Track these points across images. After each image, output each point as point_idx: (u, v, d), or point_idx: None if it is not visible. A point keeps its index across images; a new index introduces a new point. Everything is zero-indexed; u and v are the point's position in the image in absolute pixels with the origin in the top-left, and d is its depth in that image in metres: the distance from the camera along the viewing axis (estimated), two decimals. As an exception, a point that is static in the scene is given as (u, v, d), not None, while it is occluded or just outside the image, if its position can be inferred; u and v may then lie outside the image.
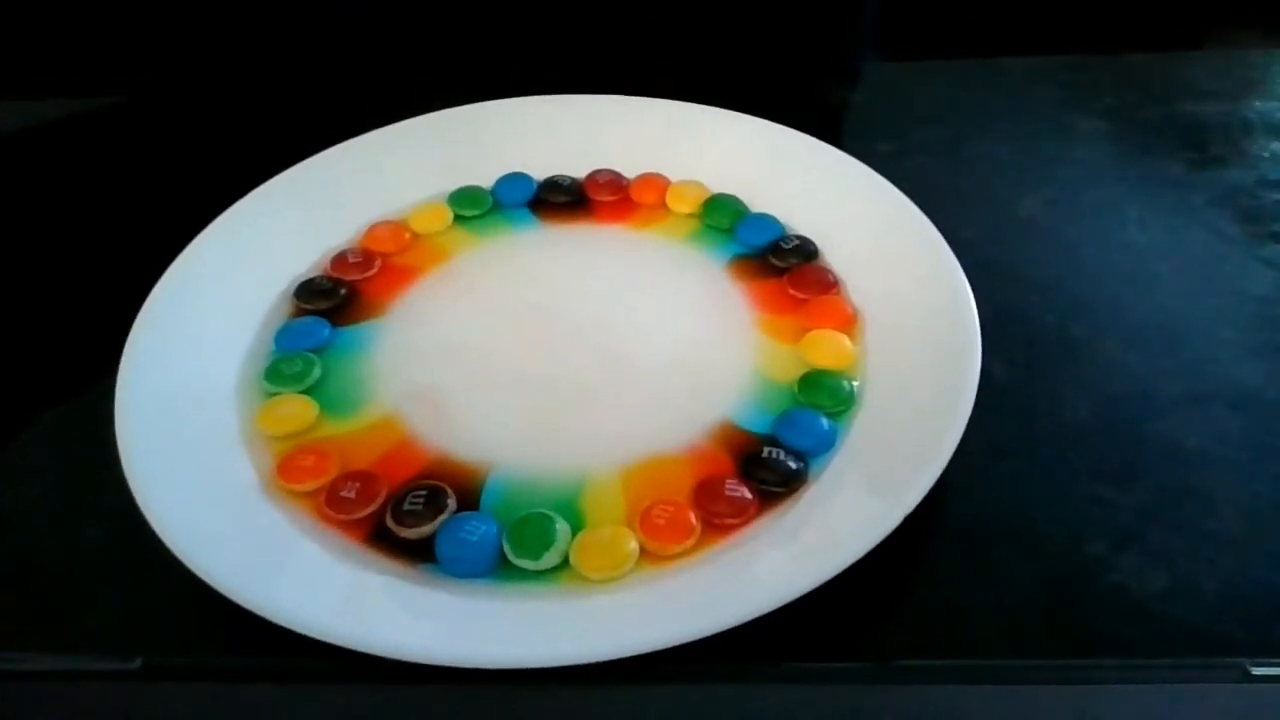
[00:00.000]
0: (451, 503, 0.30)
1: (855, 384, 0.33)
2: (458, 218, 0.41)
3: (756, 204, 0.41)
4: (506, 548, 0.28)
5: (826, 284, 0.37)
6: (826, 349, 0.34)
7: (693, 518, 0.29)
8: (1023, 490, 0.31)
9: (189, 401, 0.32)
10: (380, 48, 0.56)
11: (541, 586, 0.28)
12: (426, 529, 0.29)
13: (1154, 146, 0.46)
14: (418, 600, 0.27)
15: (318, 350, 0.35)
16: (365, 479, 0.30)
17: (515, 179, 0.42)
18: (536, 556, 0.28)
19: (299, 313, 0.37)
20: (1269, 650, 0.26)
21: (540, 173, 0.43)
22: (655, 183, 0.42)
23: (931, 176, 0.41)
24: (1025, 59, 0.52)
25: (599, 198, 0.42)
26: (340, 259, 0.39)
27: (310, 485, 0.30)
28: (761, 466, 0.30)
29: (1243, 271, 0.39)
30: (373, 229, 0.40)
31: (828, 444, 0.31)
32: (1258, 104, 0.48)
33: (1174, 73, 0.51)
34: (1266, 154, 0.45)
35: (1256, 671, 0.25)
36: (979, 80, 0.51)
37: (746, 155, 0.42)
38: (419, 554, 0.29)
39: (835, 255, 0.38)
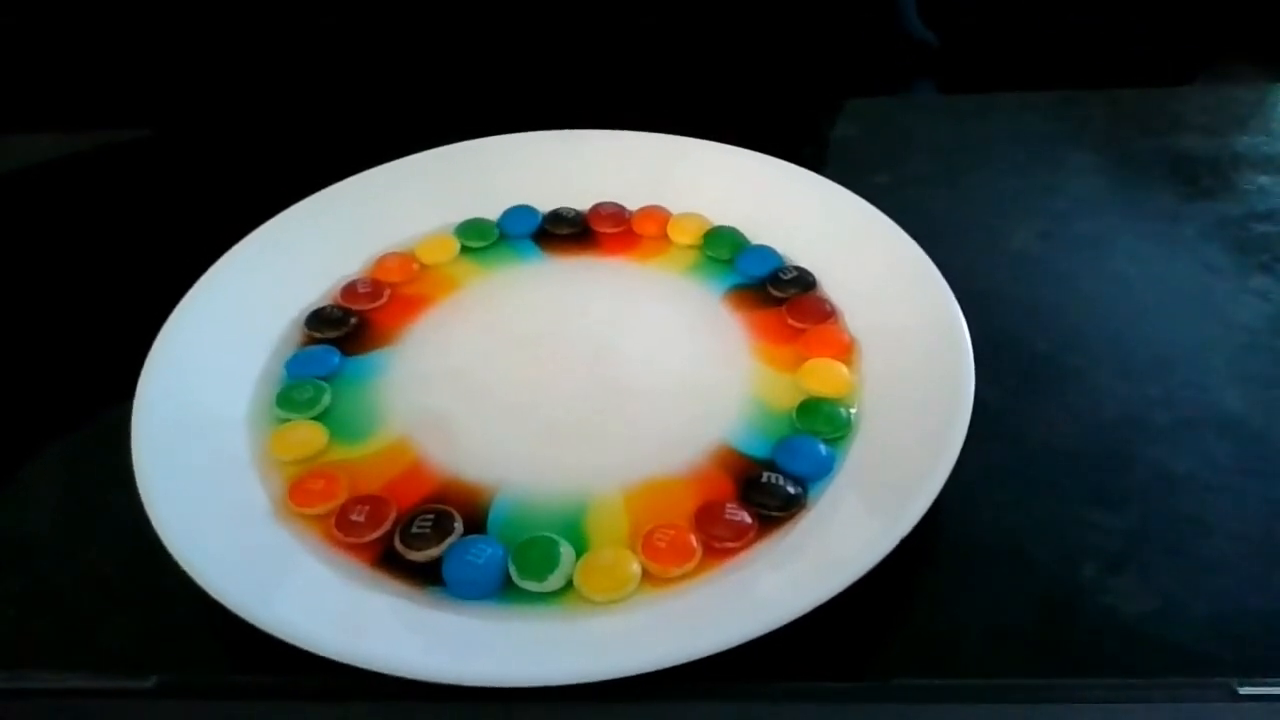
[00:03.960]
0: (458, 526, 0.30)
1: (852, 411, 0.34)
2: (464, 249, 0.42)
3: (756, 236, 0.42)
4: (512, 570, 0.29)
5: (824, 313, 0.38)
6: (824, 377, 0.35)
7: (694, 541, 0.30)
8: (1016, 514, 0.32)
9: (203, 427, 0.33)
10: (390, 84, 0.57)
11: (546, 608, 0.29)
12: (434, 552, 0.30)
13: (1145, 179, 0.47)
14: (425, 621, 0.28)
15: (328, 378, 0.36)
16: (374, 503, 0.31)
17: (520, 211, 0.43)
18: (541, 579, 0.29)
19: (310, 341, 0.38)
20: (1257, 670, 0.27)
21: (545, 205, 0.44)
22: (657, 215, 0.43)
23: (927, 209, 0.41)
24: (1018, 94, 0.54)
25: (602, 229, 0.43)
26: (350, 289, 0.40)
27: (320, 509, 0.31)
28: (761, 491, 0.31)
29: (1232, 301, 0.40)
30: (382, 260, 0.41)
31: (826, 469, 0.32)
32: (1246, 138, 0.49)
33: (1164, 107, 0.52)
34: (1254, 187, 0.46)
35: (1244, 691, 0.26)
36: (973, 115, 0.52)
37: (746, 188, 0.43)
38: (427, 576, 0.29)
39: (833, 286, 0.39)
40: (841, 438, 0.33)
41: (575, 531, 0.30)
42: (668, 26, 0.59)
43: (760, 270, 0.40)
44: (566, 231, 0.43)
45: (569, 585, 0.29)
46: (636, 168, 0.44)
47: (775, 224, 0.41)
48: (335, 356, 0.37)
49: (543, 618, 0.28)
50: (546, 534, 0.30)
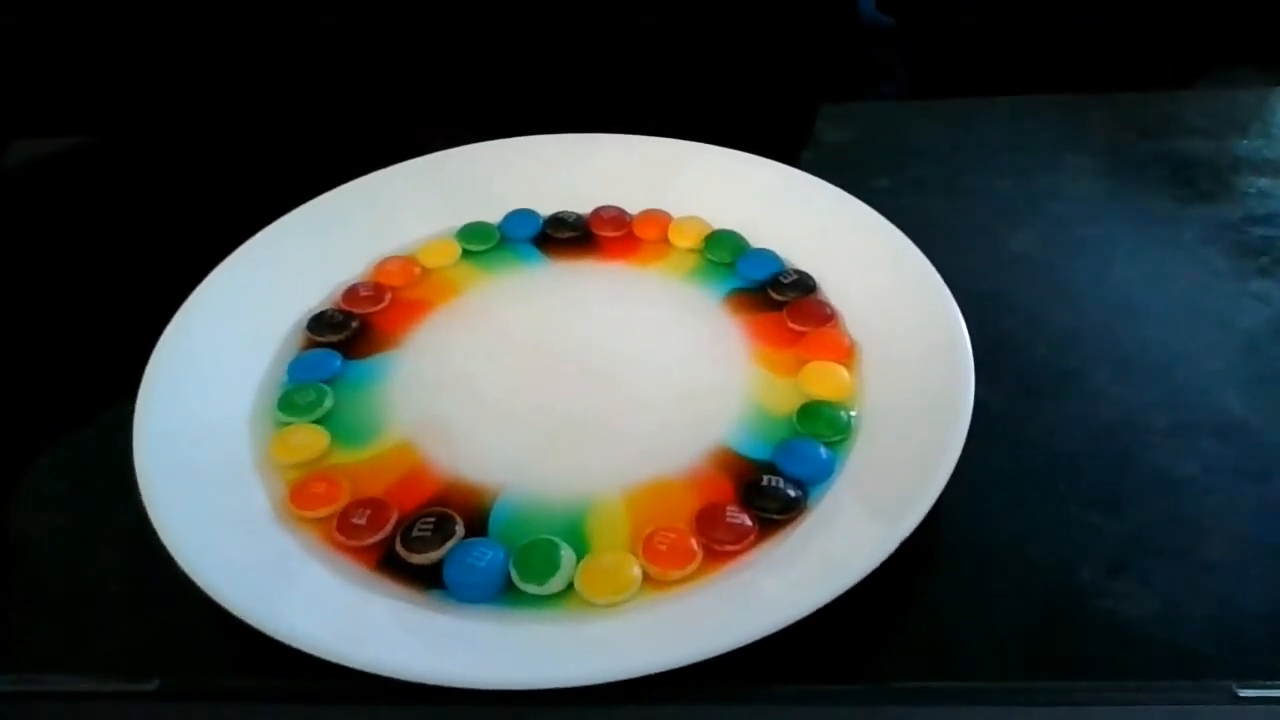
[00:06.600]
0: (459, 529, 0.30)
1: (853, 414, 0.34)
2: (466, 253, 0.42)
3: (756, 239, 0.42)
4: (513, 573, 0.29)
5: (824, 317, 0.38)
6: (825, 380, 0.35)
7: (694, 544, 0.30)
8: (1015, 517, 0.32)
9: (204, 431, 0.33)
10: (392, 88, 0.57)
11: (547, 611, 0.29)
12: (435, 555, 0.30)
13: (1144, 183, 0.47)
14: (426, 624, 0.28)
15: (329, 381, 0.36)
16: (375, 506, 0.31)
17: (522, 215, 0.44)
18: (542, 582, 0.29)
19: (311, 345, 0.38)
20: (1255, 673, 0.27)
21: (546, 209, 0.44)
22: (658, 219, 0.43)
23: (927, 212, 0.42)
24: (1019, 98, 0.54)
25: (603, 233, 0.43)
26: (352, 292, 0.40)
27: (322, 512, 0.31)
28: (762, 494, 0.31)
29: (1231, 305, 0.40)
30: (383, 263, 0.41)
31: (826, 472, 0.32)
32: (1245, 142, 0.49)
33: (1164, 111, 0.52)
34: (1254, 190, 0.46)
35: (1243, 693, 0.26)
36: (974, 119, 0.52)
37: (747, 192, 0.43)
38: (428, 579, 0.29)
39: (833, 289, 0.39)
40: (842, 441, 0.33)
41: (576, 534, 0.30)
42: (668, 30, 0.59)
43: (761, 274, 0.40)
44: (567, 235, 0.43)
45: (570, 588, 0.29)
46: (637, 172, 0.44)
47: (776, 228, 0.42)
48: (337, 360, 0.37)
49: (543, 620, 0.28)
50: (547, 537, 0.30)
